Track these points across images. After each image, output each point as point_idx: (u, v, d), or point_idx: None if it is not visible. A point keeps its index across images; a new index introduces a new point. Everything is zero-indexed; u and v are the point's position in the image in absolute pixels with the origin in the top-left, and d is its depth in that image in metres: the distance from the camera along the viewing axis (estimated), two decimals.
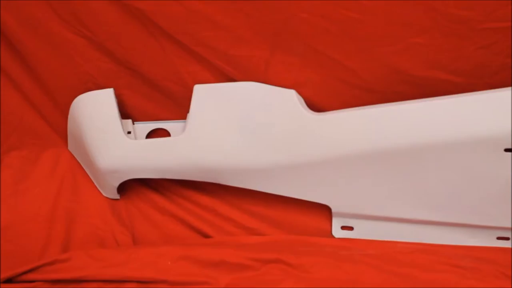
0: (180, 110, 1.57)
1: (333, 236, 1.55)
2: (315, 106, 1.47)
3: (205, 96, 1.49)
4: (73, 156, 1.67)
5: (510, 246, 1.45)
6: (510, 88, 1.33)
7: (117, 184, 1.58)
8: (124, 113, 1.61)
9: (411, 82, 1.43)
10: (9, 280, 1.33)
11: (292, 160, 1.43)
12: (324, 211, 1.53)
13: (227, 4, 1.42)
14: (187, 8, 1.44)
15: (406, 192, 1.42)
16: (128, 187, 1.62)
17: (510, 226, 1.42)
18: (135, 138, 1.60)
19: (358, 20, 1.37)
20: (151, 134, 1.62)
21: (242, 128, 1.45)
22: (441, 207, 1.43)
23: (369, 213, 1.46)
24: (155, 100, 1.62)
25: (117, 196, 1.63)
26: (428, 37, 1.38)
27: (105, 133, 1.56)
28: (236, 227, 1.56)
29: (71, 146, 1.65)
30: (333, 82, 1.45)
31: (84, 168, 1.63)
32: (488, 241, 1.46)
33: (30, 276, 1.35)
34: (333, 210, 1.47)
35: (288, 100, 1.44)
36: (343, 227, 1.55)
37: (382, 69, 1.43)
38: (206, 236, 1.54)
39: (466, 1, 1.33)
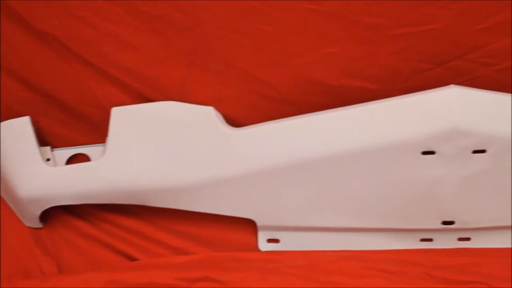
0: (99, 134, 1.54)
1: (260, 250, 1.51)
2: (234, 121, 1.47)
3: (123, 118, 1.48)
4: None
5: (434, 247, 1.43)
6: (423, 92, 1.31)
7: (39, 212, 1.56)
8: (43, 140, 1.58)
9: (327, 91, 1.43)
10: None
11: (214, 177, 1.42)
12: (250, 225, 1.52)
13: (140, 25, 1.43)
14: (99, 30, 1.43)
15: (329, 200, 1.42)
16: (50, 215, 1.59)
17: (433, 227, 1.40)
18: (55, 165, 1.57)
19: (271, 33, 1.37)
20: (71, 160, 1.59)
21: (162, 148, 1.44)
22: (365, 213, 1.44)
23: (294, 224, 1.46)
24: (73, 125, 1.60)
25: (40, 225, 1.60)
26: (340, 46, 1.39)
27: (24, 162, 1.53)
28: (163, 248, 1.55)
29: None
30: (250, 96, 1.45)
31: (4, 198, 1.57)
32: (412, 243, 1.48)
33: None
34: (258, 224, 1.47)
35: (206, 117, 1.44)
36: (269, 240, 1.55)
37: (297, 80, 1.43)
38: (133, 259, 1.52)
39: (375, 8, 1.32)
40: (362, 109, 1.37)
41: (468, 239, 1.48)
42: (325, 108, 1.41)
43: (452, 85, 1.35)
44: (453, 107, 1.35)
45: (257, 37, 1.39)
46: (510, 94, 1.35)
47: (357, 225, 1.45)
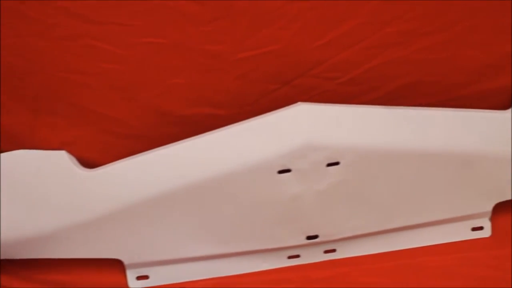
0: None
1: None
2: (89, 162, 1.45)
3: None
4: None
5: (301, 263, 1.45)
6: (272, 112, 1.33)
7: None
8: None
9: (178, 122, 1.43)
10: None
11: (74, 221, 1.41)
12: (118, 264, 1.49)
13: None
14: None
15: (193, 230, 1.43)
16: None
17: (298, 243, 1.42)
18: None
19: (116, 70, 1.37)
20: None
21: (18, 198, 1.41)
22: (231, 238, 1.45)
23: (161, 258, 1.47)
24: None
25: None
26: (186, 76, 1.40)
27: None
28: None
29: None
30: (103, 135, 1.44)
31: None
32: (280, 262, 1.50)
33: None
34: (125, 263, 1.44)
35: (59, 161, 1.42)
36: (138, 277, 1.53)
37: (148, 114, 1.43)
38: None
39: (215, 36, 1.35)
40: (214, 135, 1.38)
41: (333, 250, 1.50)
42: (178, 139, 1.40)
43: (299, 102, 1.37)
44: (302, 123, 1.36)
45: (102, 76, 1.38)
46: (356, 106, 1.42)
47: (224, 251, 1.46)
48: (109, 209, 1.42)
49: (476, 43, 1.41)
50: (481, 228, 1.54)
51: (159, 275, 1.53)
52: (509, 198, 1.50)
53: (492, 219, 1.53)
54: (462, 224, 1.53)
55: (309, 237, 1.46)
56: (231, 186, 1.39)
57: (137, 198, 1.40)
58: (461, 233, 1.54)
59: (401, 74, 1.43)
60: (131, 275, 1.52)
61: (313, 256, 1.50)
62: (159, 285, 1.53)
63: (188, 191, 1.39)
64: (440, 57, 1.42)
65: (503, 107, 1.48)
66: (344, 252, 1.51)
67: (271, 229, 1.44)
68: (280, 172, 1.40)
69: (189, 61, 1.38)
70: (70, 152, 1.44)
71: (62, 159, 1.42)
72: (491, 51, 1.43)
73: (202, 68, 1.39)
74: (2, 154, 1.42)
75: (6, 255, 1.47)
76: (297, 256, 1.50)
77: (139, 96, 1.42)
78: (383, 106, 1.39)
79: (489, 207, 1.50)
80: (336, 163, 1.40)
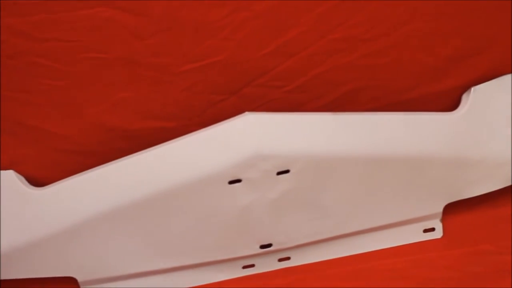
0: None
1: None
2: (38, 181, 1.44)
3: None
4: None
5: (256, 272, 1.46)
6: (220, 123, 1.35)
7: None
8: None
9: (128, 136, 1.43)
10: None
11: (25, 240, 1.42)
12: (72, 281, 1.51)
13: None
14: None
15: (146, 245, 1.44)
16: None
17: (252, 253, 1.42)
18: None
19: (62, 87, 1.38)
20: None
21: None
22: (185, 250, 1.46)
23: (115, 274, 1.46)
24: None
25: None
26: (133, 89, 1.40)
27: None
28: None
29: None
30: (51, 153, 1.44)
31: None
32: (235, 272, 1.53)
33: None
34: (79, 280, 1.43)
35: (7, 181, 1.41)
36: None
37: (96, 130, 1.43)
38: None
39: (159, 48, 1.36)
40: (163, 149, 1.39)
41: (288, 258, 1.50)
42: (129, 153, 1.40)
43: (247, 112, 1.36)
44: (251, 133, 1.37)
45: (48, 93, 1.38)
46: (303, 113, 1.45)
47: (178, 264, 1.46)
48: (60, 227, 1.41)
49: (419, 47, 1.43)
50: (432, 229, 1.56)
51: None
52: (459, 198, 1.49)
53: (443, 220, 1.52)
54: (413, 226, 1.54)
55: (262, 246, 1.46)
56: (182, 198, 1.39)
57: (87, 215, 1.40)
58: (413, 235, 1.55)
59: (347, 80, 1.44)
60: None
61: (268, 265, 1.51)
62: None
63: (138, 206, 1.39)
64: (384, 62, 1.43)
65: (450, 108, 1.49)
66: (299, 259, 1.52)
67: (224, 239, 1.44)
68: (231, 182, 1.40)
69: (135, 75, 1.38)
70: (20, 171, 1.43)
71: (10, 178, 1.41)
72: (435, 54, 1.44)
73: (148, 81, 1.39)
74: None
75: None
76: (252, 265, 1.50)
77: (86, 112, 1.41)
78: (331, 113, 1.40)
79: (439, 208, 1.52)
80: (286, 171, 1.40)
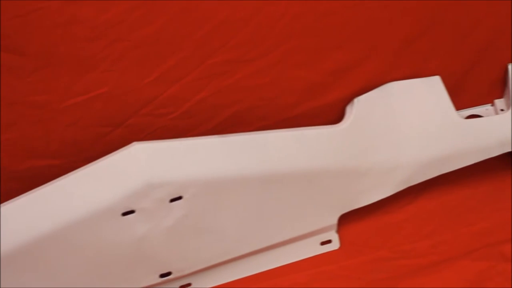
0: None
1: None
2: None
3: None
4: None
5: None
6: (109, 155, 1.33)
7: None
8: None
9: (16, 177, 1.44)
10: None
11: None
12: None
13: None
14: None
15: (49, 283, 1.41)
16: None
17: (152, 283, 1.42)
18: None
19: None
20: None
21: None
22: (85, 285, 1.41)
23: None
24: None
25: None
26: (16, 129, 1.41)
27: None
28: None
29: None
30: None
31: None
32: None
33: None
34: None
35: None
36: None
37: None
38: None
39: (40, 86, 1.33)
40: (51, 187, 1.36)
41: (189, 284, 1.50)
42: (20, 194, 1.35)
43: (134, 142, 1.35)
44: (140, 163, 1.37)
45: None
46: (191, 138, 1.46)
47: None
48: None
49: (298, 64, 1.45)
50: (329, 241, 1.56)
51: None
52: (352, 208, 1.52)
53: (339, 231, 1.54)
54: (311, 240, 1.56)
55: (162, 275, 1.44)
56: (76, 235, 1.37)
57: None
58: (311, 249, 1.58)
59: (232, 101, 1.46)
60: None
61: None
62: None
63: (32, 247, 1.36)
64: (266, 81, 1.45)
65: (336, 120, 1.52)
66: (200, 284, 1.52)
67: (123, 272, 1.43)
68: (124, 214, 1.39)
69: (17, 114, 1.37)
70: None
71: None
72: (316, 69, 1.48)
73: (32, 120, 1.37)
74: None
75: None
76: None
77: None
78: (218, 136, 1.41)
79: (334, 220, 1.54)
80: (179, 198, 1.38)
